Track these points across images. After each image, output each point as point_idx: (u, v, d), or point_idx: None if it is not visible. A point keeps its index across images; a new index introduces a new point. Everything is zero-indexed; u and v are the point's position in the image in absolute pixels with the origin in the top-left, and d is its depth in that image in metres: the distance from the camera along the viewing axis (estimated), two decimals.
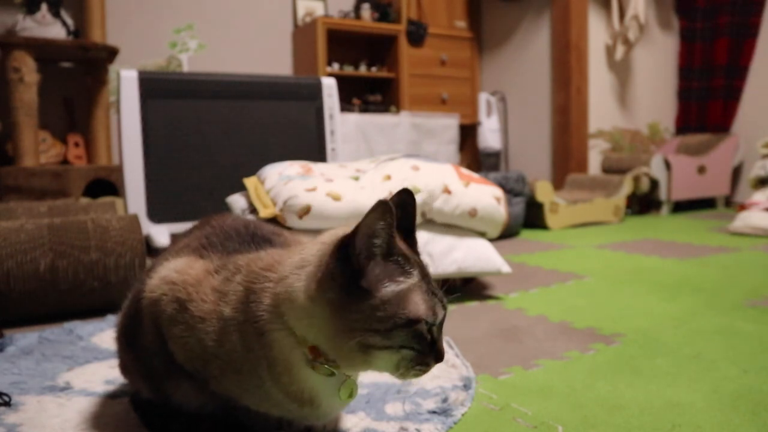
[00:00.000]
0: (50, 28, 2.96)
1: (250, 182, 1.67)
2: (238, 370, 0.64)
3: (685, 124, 4.34)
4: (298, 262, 0.62)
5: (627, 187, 3.32)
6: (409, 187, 0.69)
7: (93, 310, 1.45)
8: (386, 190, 1.48)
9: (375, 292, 0.58)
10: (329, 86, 2.64)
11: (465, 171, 1.64)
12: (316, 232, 0.99)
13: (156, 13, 3.69)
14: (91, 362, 1.08)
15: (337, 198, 1.44)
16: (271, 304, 0.62)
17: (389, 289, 0.59)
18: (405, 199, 0.65)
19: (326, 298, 0.58)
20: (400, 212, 0.65)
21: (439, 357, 0.62)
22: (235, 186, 2.08)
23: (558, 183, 3.90)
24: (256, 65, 3.98)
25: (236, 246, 0.73)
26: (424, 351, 0.60)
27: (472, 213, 1.55)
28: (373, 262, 0.59)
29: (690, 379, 0.96)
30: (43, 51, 2.93)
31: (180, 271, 0.69)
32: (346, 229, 0.64)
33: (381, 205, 0.57)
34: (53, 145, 3.21)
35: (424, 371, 0.62)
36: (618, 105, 4.17)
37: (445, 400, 0.87)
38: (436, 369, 1.00)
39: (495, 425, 0.81)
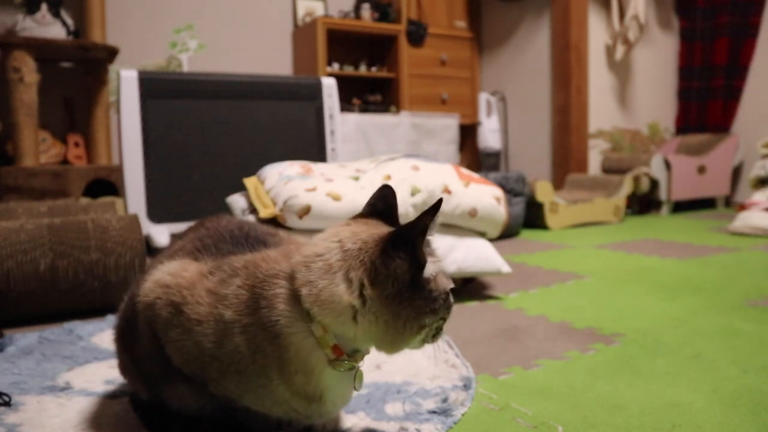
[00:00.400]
0: (50, 28, 2.96)
1: (250, 182, 1.67)
2: (241, 371, 0.64)
3: (685, 124, 4.34)
4: (323, 268, 0.63)
5: (627, 187, 3.32)
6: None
7: (93, 310, 1.45)
8: None
9: (429, 277, 0.64)
10: (329, 86, 2.64)
11: (465, 171, 1.64)
12: (316, 232, 0.99)
13: (156, 13, 3.69)
14: (91, 362, 1.08)
15: (337, 198, 1.44)
16: (287, 309, 0.63)
17: (432, 270, 0.65)
18: (385, 192, 0.73)
19: (386, 295, 0.62)
20: (383, 204, 0.72)
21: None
22: (235, 186, 2.08)
23: (558, 183, 3.90)
24: (256, 65, 3.99)
25: (230, 248, 0.73)
26: (447, 318, 0.67)
27: (472, 213, 1.55)
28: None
29: (690, 379, 0.96)
30: (43, 51, 2.93)
31: (173, 274, 0.69)
32: (354, 228, 0.66)
33: (437, 204, 0.63)
34: (53, 145, 3.21)
35: (441, 334, 0.68)
36: (618, 105, 4.17)
37: (445, 400, 0.87)
38: (437, 369, 1.00)
39: (495, 425, 0.81)
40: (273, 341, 0.63)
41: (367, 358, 0.70)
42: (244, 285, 0.65)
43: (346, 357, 0.65)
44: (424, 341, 0.67)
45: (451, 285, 0.67)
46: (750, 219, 2.66)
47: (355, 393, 0.73)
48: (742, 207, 2.93)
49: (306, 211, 1.42)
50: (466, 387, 0.92)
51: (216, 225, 0.78)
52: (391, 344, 0.65)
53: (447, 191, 1.52)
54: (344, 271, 0.62)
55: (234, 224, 0.78)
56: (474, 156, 4.62)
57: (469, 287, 1.65)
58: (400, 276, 0.62)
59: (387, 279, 0.62)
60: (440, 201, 0.64)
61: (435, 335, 0.67)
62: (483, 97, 4.36)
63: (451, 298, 0.67)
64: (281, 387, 0.64)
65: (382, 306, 0.62)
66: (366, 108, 4.08)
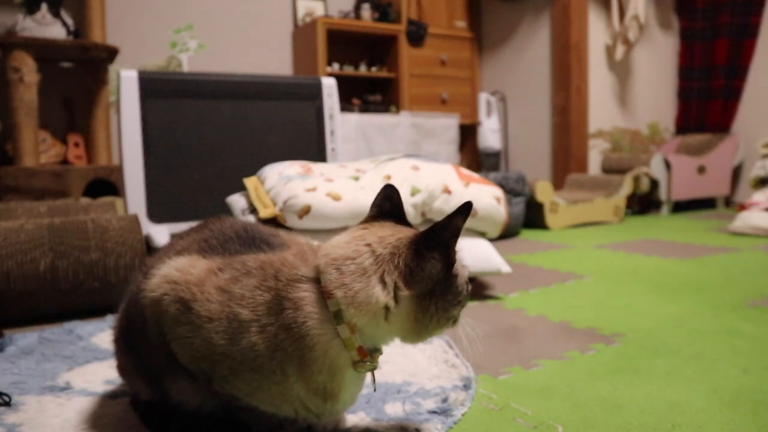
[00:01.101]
0: (50, 28, 2.96)
1: (250, 182, 1.67)
2: (256, 369, 0.64)
3: (685, 124, 4.34)
4: (357, 271, 0.65)
5: (627, 187, 3.32)
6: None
7: (93, 310, 1.45)
8: None
9: (456, 273, 0.68)
10: (329, 86, 2.64)
11: (465, 171, 1.64)
12: (316, 232, 0.98)
13: (156, 13, 3.69)
14: (91, 362, 1.08)
15: (337, 198, 1.44)
16: (316, 311, 0.64)
17: (456, 263, 0.68)
18: (390, 192, 0.75)
19: (419, 294, 0.65)
20: (389, 204, 0.74)
21: None
22: (235, 186, 2.08)
23: (558, 183, 3.90)
24: (256, 65, 3.99)
25: (237, 248, 0.73)
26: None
27: (473, 213, 1.54)
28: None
29: (690, 379, 0.96)
30: (43, 51, 2.93)
31: (182, 270, 0.69)
32: (378, 232, 0.68)
33: (468, 206, 0.66)
34: (53, 145, 3.21)
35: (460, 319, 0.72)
36: (618, 105, 4.17)
37: (445, 400, 0.87)
38: (437, 369, 1.00)
39: (495, 425, 0.81)
40: (297, 342, 0.64)
41: None
42: (262, 286, 0.66)
43: (369, 358, 0.67)
44: (447, 327, 0.71)
45: (468, 273, 0.71)
46: (750, 219, 2.66)
47: None
48: (742, 207, 2.93)
49: (306, 211, 1.42)
50: (466, 387, 0.92)
51: (220, 226, 0.78)
52: (419, 336, 0.68)
53: (447, 191, 1.52)
54: (379, 275, 0.65)
55: (239, 225, 0.79)
56: (474, 156, 4.62)
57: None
58: (434, 276, 0.66)
59: (422, 280, 0.65)
60: (469, 204, 0.66)
61: (455, 321, 0.71)
62: (483, 97, 4.36)
63: (470, 286, 0.71)
64: (298, 384, 0.65)
65: (414, 304, 0.66)
66: (366, 108, 4.08)
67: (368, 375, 0.72)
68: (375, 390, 0.74)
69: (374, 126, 3.78)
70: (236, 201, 1.66)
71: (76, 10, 3.26)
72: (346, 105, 3.96)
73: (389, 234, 0.68)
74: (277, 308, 0.64)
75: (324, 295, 0.64)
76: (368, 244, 0.67)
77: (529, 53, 4.22)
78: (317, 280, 0.65)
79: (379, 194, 0.75)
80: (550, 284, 1.72)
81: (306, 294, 0.65)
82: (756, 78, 3.95)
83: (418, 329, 0.67)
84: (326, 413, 0.69)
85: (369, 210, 0.75)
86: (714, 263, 1.99)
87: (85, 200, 2.35)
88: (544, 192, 3.00)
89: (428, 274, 0.65)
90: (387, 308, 0.65)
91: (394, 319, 0.65)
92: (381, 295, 0.64)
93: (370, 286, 0.64)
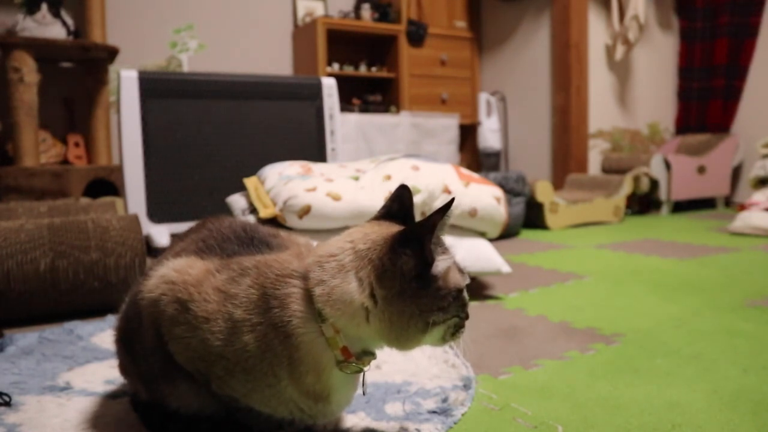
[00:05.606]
0: (50, 28, 2.96)
1: (250, 182, 1.67)
2: (249, 370, 0.64)
3: (685, 124, 4.34)
4: (336, 267, 0.64)
5: (627, 187, 3.32)
6: (409, 186, 0.73)
7: (93, 310, 1.45)
8: (386, 190, 1.48)
9: (438, 274, 0.64)
10: (329, 86, 2.64)
11: (465, 171, 1.64)
12: (317, 232, 0.98)
13: (156, 13, 3.69)
14: (91, 362, 1.08)
15: (337, 198, 1.44)
16: (301, 309, 0.63)
17: (442, 267, 0.65)
18: (403, 193, 0.73)
19: (393, 293, 0.63)
20: (398, 205, 0.72)
21: (467, 316, 0.69)
22: (235, 186, 2.08)
23: (558, 183, 3.90)
24: (256, 65, 3.99)
25: (235, 248, 0.73)
26: (465, 316, 0.68)
27: (472, 213, 1.55)
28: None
29: (690, 379, 0.96)
30: (43, 51, 2.93)
31: (179, 270, 0.69)
32: (366, 230, 0.67)
33: (449, 203, 0.64)
34: (53, 145, 3.21)
35: (462, 332, 0.68)
36: (618, 105, 4.17)
37: (445, 400, 0.87)
38: (437, 369, 1.00)
39: (495, 425, 0.81)
40: (284, 341, 0.63)
41: None
42: (254, 284, 0.65)
43: (354, 360, 0.65)
44: (443, 339, 0.67)
45: (465, 281, 0.68)
46: (750, 219, 2.66)
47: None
48: (742, 207, 2.93)
49: (306, 211, 1.42)
50: (466, 387, 0.92)
51: (219, 226, 0.78)
52: (400, 342, 0.65)
53: (447, 191, 1.52)
54: (355, 271, 0.63)
55: (238, 225, 0.78)
56: (474, 156, 4.62)
57: (469, 287, 1.65)
58: (406, 273, 0.63)
59: (394, 276, 0.63)
60: (452, 201, 0.64)
61: (454, 333, 0.67)
62: (483, 97, 4.36)
63: (465, 295, 0.67)
64: (290, 387, 0.65)
65: (390, 304, 0.63)
66: (366, 108, 4.08)
67: (366, 375, 0.71)
68: (364, 394, 0.71)
69: (374, 126, 3.78)
70: (236, 201, 1.66)
71: (76, 10, 3.26)
72: (346, 105, 3.96)
73: (375, 231, 0.67)
74: (265, 306, 0.64)
75: (309, 292, 0.64)
76: (352, 241, 0.66)
77: (529, 53, 4.22)
78: (307, 278, 0.65)
79: (392, 194, 0.74)
80: (550, 284, 1.72)
81: (293, 290, 0.64)
82: (756, 78, 3.95)
83: (397, 334, 0.64)
84: (320, 415, 0.69)
85: (378, 210, 0.75)
86: (714, 263, 1.99)
87: (85, 200, 2.35)
88: (544, 192, 3.00)
89: (399, 270, 0.63)
90: (366, 309, 0.63)
91: (373, 320, 0.63)
92: (356, 293, 0.62)
93: (346, 282, 0.63)
